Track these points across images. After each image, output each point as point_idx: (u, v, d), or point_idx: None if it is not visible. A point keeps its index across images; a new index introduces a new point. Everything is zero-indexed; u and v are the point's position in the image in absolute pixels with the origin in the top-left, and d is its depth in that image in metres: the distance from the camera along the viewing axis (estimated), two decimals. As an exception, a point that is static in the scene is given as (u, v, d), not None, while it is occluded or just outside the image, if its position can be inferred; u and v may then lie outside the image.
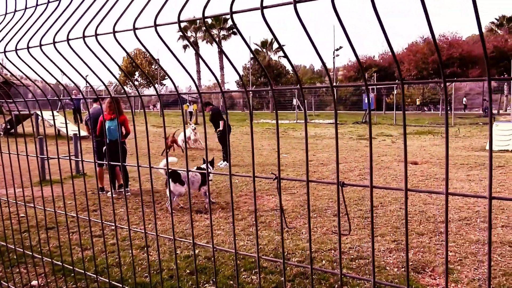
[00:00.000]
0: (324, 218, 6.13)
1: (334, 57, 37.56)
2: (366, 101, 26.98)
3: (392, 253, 4.79)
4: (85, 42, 1.55)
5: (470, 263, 4.47)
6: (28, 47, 1.78)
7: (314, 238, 5.28)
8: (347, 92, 49.20)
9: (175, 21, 1.31)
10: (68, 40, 1.60)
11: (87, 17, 1.51)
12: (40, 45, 1.72)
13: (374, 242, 5.14)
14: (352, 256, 4.68)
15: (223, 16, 1.30)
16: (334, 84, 1.21)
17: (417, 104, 42.95)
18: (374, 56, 51.69)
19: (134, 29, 1.37)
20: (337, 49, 38.62)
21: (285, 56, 1.32)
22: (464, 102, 42.86)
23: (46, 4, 1.72)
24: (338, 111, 31.77)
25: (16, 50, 1.84)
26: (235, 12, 1.18)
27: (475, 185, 8.30)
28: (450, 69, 40.52)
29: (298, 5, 1.09)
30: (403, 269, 4.35)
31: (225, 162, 11.18)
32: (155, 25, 1.34)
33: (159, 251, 2.12)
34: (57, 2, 1.68)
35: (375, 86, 31.14)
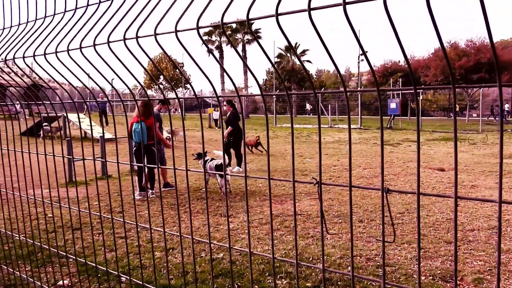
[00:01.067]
0: (349, 224, 6.05)
1: (359, 62, 37.22)
2: (394, 106, 26.66)
3: (420, 260, 4.68)
4: (110, 48, 1.55)
5: (500, 273, 4.33)
6: (56, 52, 1.80)
7: (339, 244, 5.21)
8: (372, 97, 48.70)
9: (194, 27, 1.30)
10: (94, 45, 1.61)
11: (113, 23, 1.51)
12: (68, 50, 1.73)
13: (401, 249, 5.04)
14: (378, 263, 4.60)
15: (247, 24, 1.28)
16: (355, 89, 1.18)
17: (457, 109, 41.87)
18: (399, 61, 51.08)
19: (155, 34, 1.37)
20: (362, 54, 38.25)
21: (300, 62, 1.29)
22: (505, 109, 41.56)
23: (73, 11, 1.74)
24: (362, 116, 31.42)
25: (44, 54, 1.86)
26: (252, 19, 1.17)
27: (505, 193, 8.08)
28: (478, 74, 39.76)
29: (313, 12, 1.06)
30: (430, 277, 4.25)
31: (238, 167, 11.12)
32: (176, 31, 1.33)
33: (183, 254, 2.11)
34: (84, 8, 1.70)
35: (400, 92, 30.73)
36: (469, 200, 7.18)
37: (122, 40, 1.41)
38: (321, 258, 4.79)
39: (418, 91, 1.01)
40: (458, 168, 10.94)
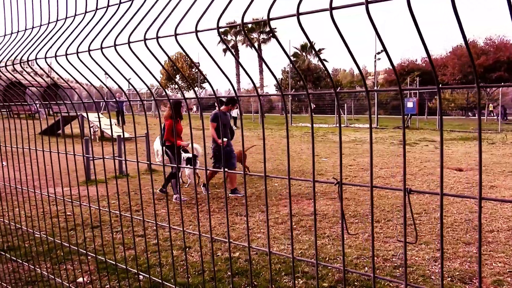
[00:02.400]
0: (366, 224, 6.02)
1: (375, 61, 36.91)
2: (411, 105, 26.38)
3: (438, 262, 4.64)
4: (130, 48, 1.57)
5: (521, 275, 4.27)
6: (77, 52, 1.82)
7: (356, 244, 5.18)
8: (388, 96, 48.28)
9: (214, 27, 1.30)
10: (115, 45, 1.63)
11: (133, 23, 1.53)
12: (89, 51, 1.75)
13: (418, 250, 5.00)
14: (395, 264, 4.56)
15: (264, 19, 1.29)
16: (375, 88, 1.17)
17: (489, 109, 40.82)
18: (416, 60, 50.54)
19: (176, 34, 1.38)
20: (379, 53, 37.93)
21: (320, 61, 1.28)
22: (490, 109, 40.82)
23: (94, 12, 1.76)
24: (379, 116, 31.15)
25: (66, 55, 1.89)
26: (272, 19, 1.17)
27: (525, 194, 7.95)
28: (497, 73, 39.12)
29: (334, 11, 1.06)
30: (449, 279, 4.21)
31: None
32: (196, 31, 1.34)
33: (202, 253, 2.12)
34: (104, 9, 1.72)
35: (417, 91, 30.41)
36: (489, 201, 7.09)
37: (143, 40, 1.43)
38: (337, 258, 4.77)
39: (439, 90, 1.00)
40: (477, 168, 10.79)
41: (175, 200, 7.63)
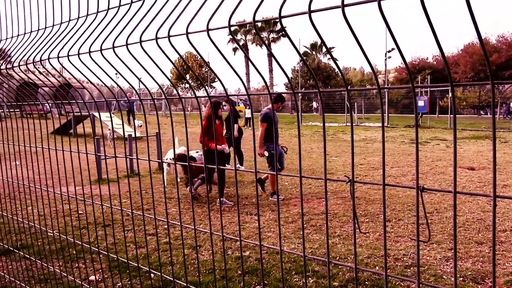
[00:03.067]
0: (377, 223, 5.99)
1: (386, 59, 36.71)
2: (422, 103, 26.18)
3: (449, 261, 4.60)
4: (142, 47, 1.58)
5: (534, 275, 4.22)
6: (89, 52, 1.84)
7: (366, 243, 5.16)
8: (399, 95, 47.97)
9: (225, 26, 1.31)
10: (127, 45, 1.63)
11: (144, 23, 1.54)
12: (101, 50, 1.77)
13: (430, 249, 4.96)
14: (406, 263, 4.54)
15: (273, 18, 1.29)
16: (384, 86, 1.16)
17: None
18: (427, 58, 50.16)
19: (187, 33, 1.39)
20: (389, 51, 37.71)
21: (332, 59, 1.27)
22: None
23: (106, 11, 1.77)
24: (389, 114, 30.97)
25: (78, 54, 1.91)
26: (284, 17, 1.17)
27: (538, 193, 7.86)
28: (510, 71, 38.69)
29: (346, 8, 1.06)
30: (461, 279, 4.18)
31: (239, 165, 11.10)
32: (207, 30, 1.34)
33: (213, 251, 2.13)
34: (116, 9, 1.73)
35: (428, 89, 30.20)
36: (501, 201, 7.01)
37: (154, 39, 1.44)
38: (348, 257, 4.76)
39: (453, 88, 0.99)
40: (489, 167, 10.69)
41: (223, 204, 7.05)
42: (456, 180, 0.96)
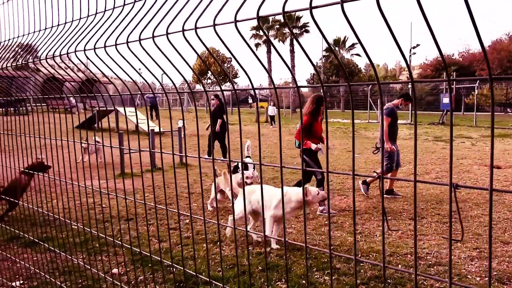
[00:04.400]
0: (399, 221, 5.91)
1: (410, 55, 36.19)
2: (446, 100, 25.70)
3: (474, 261, 4.51)
4: (168, 39, 1.57)
5: None
6: (116, 44, 1.84)
7: (389, 241, 5.09)
8: (423, 92, 47.19)
9: (254, 17, 1.29)
10: (153, 37, 1.63)
11: (171, 15, 1.53)
12: (127, 42, 1.76)
13: (454, 248, 4.87)
14: (430, 262, 4.46)
15: (296, 15, 1.27)
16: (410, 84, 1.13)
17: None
18: (453, 54, 49.27)
19: (214, 25, 1.37)
20: (414, 47, 37.16)
21: (363, 50, 1.24)
22: None
23: (132, 3, 1.77)
24: (412, 111, 30.67)
25: (105, 47, 1.91)
26: (315, 7, 1.15)
27: None
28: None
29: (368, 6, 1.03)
30: (486, 278, 4.09)
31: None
32: (235, 21, 1.33)
33: (237, 245, 2.12)
34: (143, 1, 1.72)
35: (454, 86, 29.63)
36: (529, 200, 6.83)
37: (181, 31, 1.43)
38: (369, 255, 4.70)
39: (492, 82, 0.95)
40: (514, 166, 10.41)
41: (321, 213, 6.34)
42: (492, 177, 0.93)
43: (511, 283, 4.01)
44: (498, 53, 40.00)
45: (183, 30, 1.42)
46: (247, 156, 8.17)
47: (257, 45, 56.79)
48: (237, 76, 59.95)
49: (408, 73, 1.13)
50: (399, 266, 4.40)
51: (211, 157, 1.80)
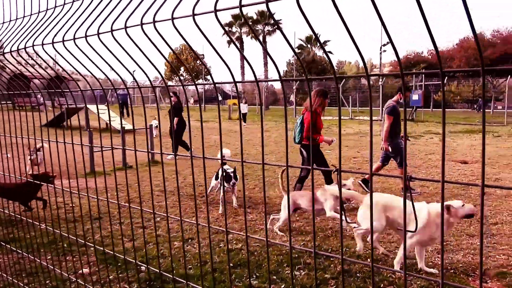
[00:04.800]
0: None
1: (380, 53, 36.77)
2: (416, 97, 26.21)
3: (440, 254, 4.62)
4: (127, 33, 1.54)
5: (524, 268, 4.25)
6: (74, 38, 1.79)
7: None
8: (392, 89, 47.82)
9: (212, 10, 1.28)
10: (112, 31, 1.59)
11: (130, 7, 1.50)
12: (98, 34, 1.71)
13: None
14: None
15: (268, 12, 1.26)
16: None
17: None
18: (422, 52, 50.18)
19: (173, 18, 1.35)
20: (384, 45, 37.77)
21: (320, 44, 1.25)
22: None
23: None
24: (383, 108, 31.08)
25: (63, 41, 1.86)
26: (270, 1, 1.15)
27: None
28: (505, 65, 38.84)
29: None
30: (452, 271, 4.19)
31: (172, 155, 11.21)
32: (193, 15, 1.31)
33: (199, 241, 2.11)
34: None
35: (423, 83, 30.24)
36: (494, 195, 7.04)
37: (139, 25, 1.40)
38: (339, 250, 4.76)
39: (445, 77, 0.97)
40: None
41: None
42: (444, 169, 0.94)
43: (476, 275, 4.12)
44: (466, 51, 41.00)
45: (142, 24, 1.40)
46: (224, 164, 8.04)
47: (229, 42, 56.63)
48: (210, 73, 59.68)
49: (378, 70, 1.13)
50: (368, 259, 4.47)
51: (188, 154, 1.78)
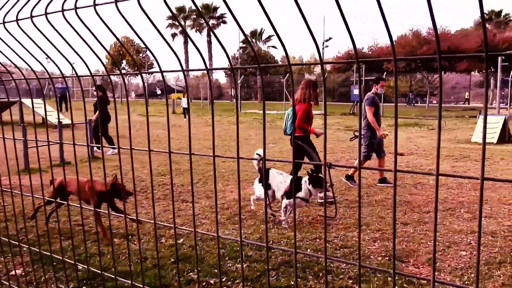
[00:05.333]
0: (310, 208, 6.13)
1: (323, 48, 37.49)
2: (357, 92, 26.99)
3: (377, 242, 4.81)
4: (65, 18, 1.47)
5: (453, 253, 4.50)
6: (17, 20, 1.71)
7: (300, 227, 5.27)
8: (335, 84, 49.21)
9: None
10: (63, 10, 1.50)
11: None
12: (32, 17, 1.62)
13: (356, 231, 5.15)
14: (337, 246, 4.69)
15: (213, 5, 1.26)
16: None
17: (466, 97, 44.90)
18: (362, 48, 51.68)
19: (95, 5, 1.30)
20: (327, 40, 38.61)
21: (278, 36, 1.26)
22: (466, 97, 46.33)
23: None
24: (326, 102, 31.95)
25: (3, 23, 1.76)
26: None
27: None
28: (437, 62, 40.74)
29: None
30: (387, 258, 4.37)
31: (112, 150, 11.11)
32: (116, 1, 1.28)
33: (139, 237, 2.08)
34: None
35: (363, 78, 31.18)
36: (427, 185, 7.40)
37: (60, 11, 1.35)
38: (281, 241, 4.84)
39: (396, 61, 1.01)
40: (417, 153, 11.21)
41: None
42: (396, 160, 0.99)
43: (409, 261, 4.32)
44: (403, 48, 42.62)
45: (63, 10, 1.35)
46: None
47: (173, 35, 55.85)
48: (153, 66, 58.56)
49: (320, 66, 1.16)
50: (308, 250, 4.57)
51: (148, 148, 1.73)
